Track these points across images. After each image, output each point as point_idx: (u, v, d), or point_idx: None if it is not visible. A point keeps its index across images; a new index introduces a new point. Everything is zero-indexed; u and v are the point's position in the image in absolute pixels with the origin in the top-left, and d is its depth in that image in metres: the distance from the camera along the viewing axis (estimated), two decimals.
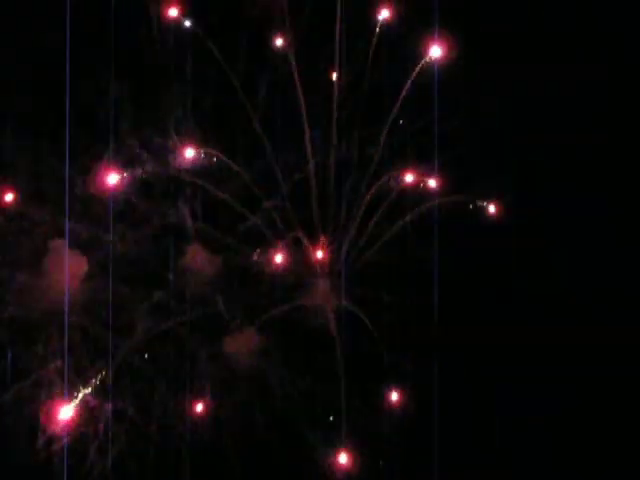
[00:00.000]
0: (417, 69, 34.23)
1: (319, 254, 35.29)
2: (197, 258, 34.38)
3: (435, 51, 34.10)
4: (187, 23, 34.49)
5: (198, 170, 34.58)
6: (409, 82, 34.39)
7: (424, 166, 35.00)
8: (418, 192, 35.18)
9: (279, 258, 34.80)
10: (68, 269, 31.97)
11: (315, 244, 35.39)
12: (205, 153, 34.51)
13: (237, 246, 35.02)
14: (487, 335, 32.80)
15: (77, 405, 32.48)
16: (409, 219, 35.10)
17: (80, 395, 32.65)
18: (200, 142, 34.49)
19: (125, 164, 33.86)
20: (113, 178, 33.23)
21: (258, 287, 35.00)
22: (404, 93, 34.47)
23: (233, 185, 34.97)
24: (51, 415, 31.24)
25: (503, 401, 33.19)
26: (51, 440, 31.80)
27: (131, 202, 34.26)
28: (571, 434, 33.07)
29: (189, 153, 34.29)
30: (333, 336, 34.72)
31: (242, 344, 33.75)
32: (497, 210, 34.92)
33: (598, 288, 33.85)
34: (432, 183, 34.91)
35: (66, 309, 31.34)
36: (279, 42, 34.64)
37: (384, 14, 34.41)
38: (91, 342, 33.33)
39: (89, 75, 33.26)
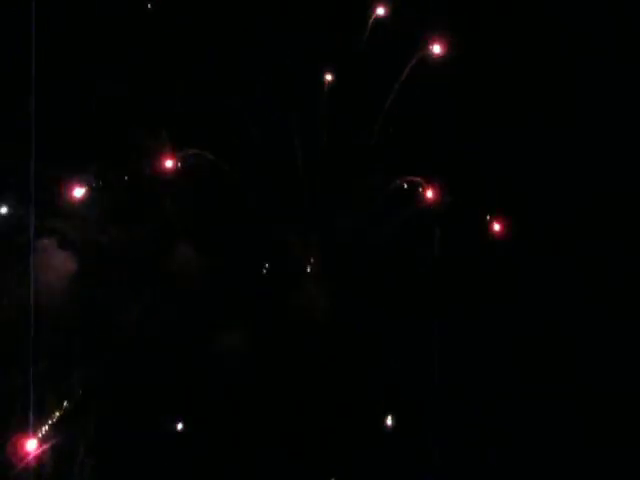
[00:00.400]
0: (410, 64, 34.14)
1: (311, 257, 35.29)
2: (186, 258, 34.11)
3: (434, 49, 33.99)
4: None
5: (187, 170, 34.38)
6: (401, 80, 34.39)
7: (419, 169, 34.88)
8: (413, 194, 35.02)
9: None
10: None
11: (305, 243, 35.25)
12: (194, 153, 34.24)
13: (226, 246, 34.61)
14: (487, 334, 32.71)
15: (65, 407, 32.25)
16: (403, 220, 34.91)
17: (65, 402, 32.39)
18: (189, 142, 34.29)
19: (115, 165, 33.73)
20: (78, 192, 33.01)
21: (248, 287, 34.69)
22: (396, 88, 34.41)
23: (221, 184, 34.72)
24: (17, 448, 30.39)
25: (502, 402, 32.92)
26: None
27: (121, 202, 34.03)
28: (571, 434, 32.76)
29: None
30: (324, 336, 34.35)
31: None
32: (496, 215, 34.73)
33: (598, 289, 33.64)
34: (429, 194, 34.81)
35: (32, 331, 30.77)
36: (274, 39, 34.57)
37: (380, 11, 34.37)
38: (77, 343, 32.81)
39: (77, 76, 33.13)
